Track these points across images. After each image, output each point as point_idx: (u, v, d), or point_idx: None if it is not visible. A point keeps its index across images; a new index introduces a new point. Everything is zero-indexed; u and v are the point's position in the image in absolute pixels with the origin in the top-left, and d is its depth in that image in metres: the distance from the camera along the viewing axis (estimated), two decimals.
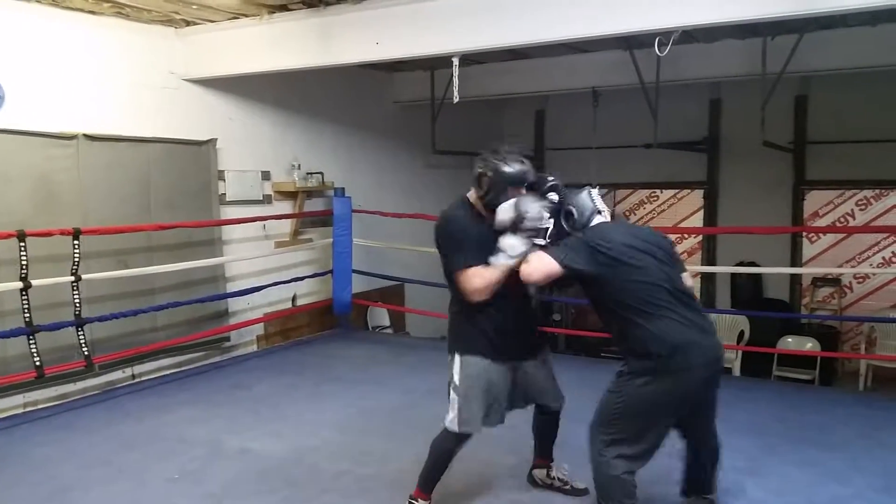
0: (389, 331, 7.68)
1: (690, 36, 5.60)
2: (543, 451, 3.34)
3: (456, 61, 4.59)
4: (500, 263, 2.69)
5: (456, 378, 2.87)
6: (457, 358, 2.88)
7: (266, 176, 6.39)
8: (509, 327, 2.87)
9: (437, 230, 2.86)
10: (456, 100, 4.72)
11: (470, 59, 6.61)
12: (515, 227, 2.68)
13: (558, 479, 3.34)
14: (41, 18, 4.75)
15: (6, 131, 4.51)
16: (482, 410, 2.89)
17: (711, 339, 2.72)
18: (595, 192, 2.81)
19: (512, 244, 2.68)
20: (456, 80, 4.64)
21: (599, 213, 2.78)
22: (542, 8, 4.18)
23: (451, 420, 2.89)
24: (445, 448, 2.96)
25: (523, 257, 2.67)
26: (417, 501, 3.02)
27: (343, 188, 6.77)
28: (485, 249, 2.71)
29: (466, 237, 2.76)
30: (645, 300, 2.60)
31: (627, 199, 9.60)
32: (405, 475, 3.56)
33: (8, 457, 3.89)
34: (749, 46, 5.83)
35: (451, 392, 2.89)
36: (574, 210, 2.74)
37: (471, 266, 2.72)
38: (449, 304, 2.98)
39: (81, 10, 4.89)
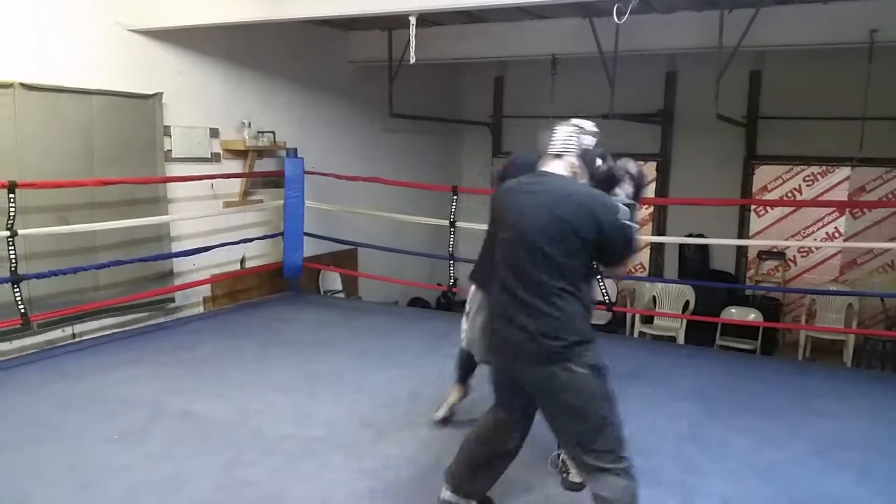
0: (341, 295, 7.62)
1: (649, 5, 5.60)
2: None
3: (413, 20, 4.48)
4: None
5: (467, 305, 3.31)
6: (471, 287, 3.30)
7: (214, 133, 6.19)
8: None
9: None
10: (412, 61, 4.62)
11: (428, 21, 6.51)
12: None
13: (561, 462, 3.13)
14: None
15: None
16: (483, 338, 3.07)
17: (522, 345, 2.34)
18: (560, 132, 2.45)
19: None
20: (413, 41, 4.54)
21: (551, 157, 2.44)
22: None
23: (461, 339, 3.39)
24: (460, 354, 3.60)
25: None
26: (452, 385, 3.72)
27: (296, 149, 6.62)
28: None
29: None
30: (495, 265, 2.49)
31: None
32: (351, 438, 3.57)
33: None
34: (706, 19, 5.83)
35: (463, 316, 3.34)
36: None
37: None
38: None
39: None
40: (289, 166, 6.49)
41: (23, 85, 4.68)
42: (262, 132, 6.45)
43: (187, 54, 5.88)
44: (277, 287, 6.86)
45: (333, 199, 7.05)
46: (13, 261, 4.45)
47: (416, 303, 8.76)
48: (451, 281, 6.11)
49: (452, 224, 6.02)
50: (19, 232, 4.45)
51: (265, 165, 6.70)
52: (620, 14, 4.09)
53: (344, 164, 7.35)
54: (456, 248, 6.12)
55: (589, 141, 2.47)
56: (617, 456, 2.30)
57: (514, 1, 4.25)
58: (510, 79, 9.49)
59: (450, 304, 8.93)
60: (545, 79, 7.15)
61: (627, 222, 2.31)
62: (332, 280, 7.61)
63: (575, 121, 2.49)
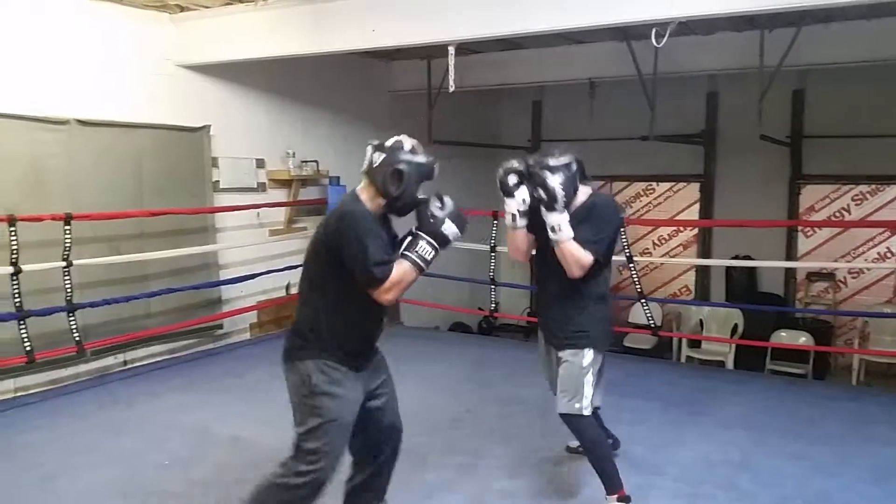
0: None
1: (688, 27, 5.57)
2: None
3: (452, 50, 4.56)
4: None
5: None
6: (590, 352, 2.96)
7: (260, 164, 6.36)
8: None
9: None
10: (452, 89, 4.69)
11: (466, 49, 6.60)
12: None
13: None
14: (34, 1, 4.71)
15: None
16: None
17: None
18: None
19: None
20: (452, 70, 4.61)
21: None
22: None
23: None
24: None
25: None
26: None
27: (338, 177, 6.74)
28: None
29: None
30: None
31: (624, 192, 9.57)
32: None
33: None
34: (747, 39, 5.79)
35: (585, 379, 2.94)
36: None
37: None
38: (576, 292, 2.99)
39: None
40: (332, 194, 6.60)
41: (77, 121, 4.89)
42: (306, 161, 6.60)
43: (232, 87, 6.07)
44: None
45: None
46: (68, 290, 4.61)
47: (458, 327, 8.76)
48: (493, 305, 6.11)
49: (493, 249, 6.04)
50: (74, 262, 4.62)
51: (309, 194, 6.83)
52: (659, 37, 4.09)
53: None
54: (497, 273, 6.13)
55: (378, 157, 2.44)
56: (290, 472, 2.41)
57: (552, 27, 4.27)
58: (548, 103, 9.52)
59: (491, 328, 8.93)
60: (583, 102, 7.15)
61: (363, 243, 2.29)
62: None
63: (395, 138, 2.51)
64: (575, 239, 2.83)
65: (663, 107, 6.23)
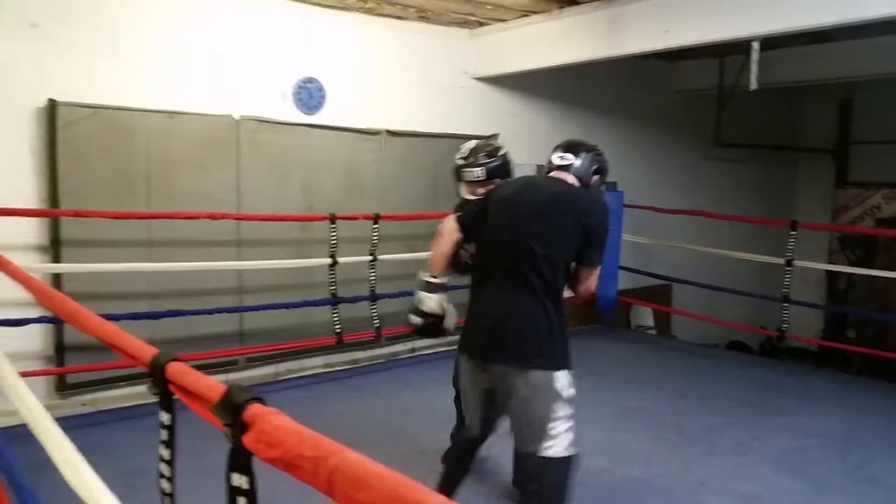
0: (653, 332, 7.42)
1: None
2: None
3: (756, 46, 4.28)
4: None
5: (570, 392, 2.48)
6: (562, 373, 2.48)
7: (539, 170, 6.52)
8: None
9: (605, 216, 2.64)
10: (753, 87, 4.41)
11: (766, 44, 6.08)
12: None
13: None
14: (357, 25, 5.35)
15: (327, 127, 5.20)
16: None
17: None
18: None
19: None
20: (755, 67, 4.32)
21: None
22: None
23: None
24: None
25: None
26: None
27: (615, 182, 6.65)
28: None
29: None
30: None
31: None
32: (670, 481, 3.46)
33: (311, 409, 4.47)
34: None
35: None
36: None
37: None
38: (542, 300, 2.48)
39: (391, 15, 5.41)
40: (608, 200, 6.54)
41: (388, 131, 5.47)
42: None
43: (520, 97, 6.33)
44: (589, 319, 6.92)
45: (650, 233, 6.94)
46: (372, 282, 5.19)
47: (735, 346, 8.15)
48: (784, 326, 5.58)
49: (789, 263, 5.50)
50: (379, 257, 5.18)
51: None
52: None
53: (660, 196, 7.18)
54: (792, 290, 5.59)
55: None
56: None
57: (886, 14, 3.73)
58: (861, 100, 8.42)
59: (775, 350, 8.15)
60: None
61: None
62: (644, 315, 7.46)
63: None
64: None
65: None
